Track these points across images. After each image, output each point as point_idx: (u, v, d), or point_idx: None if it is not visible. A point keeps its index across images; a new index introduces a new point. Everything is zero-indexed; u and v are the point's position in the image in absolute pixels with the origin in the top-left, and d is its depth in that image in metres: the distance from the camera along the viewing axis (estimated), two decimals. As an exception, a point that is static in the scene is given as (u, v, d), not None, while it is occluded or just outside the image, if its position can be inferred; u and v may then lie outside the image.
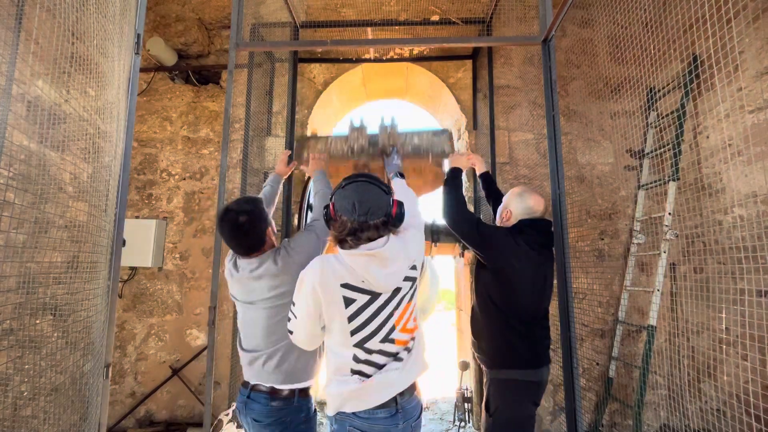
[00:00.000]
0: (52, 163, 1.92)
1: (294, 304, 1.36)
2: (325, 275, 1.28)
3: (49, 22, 1.43)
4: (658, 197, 3.16)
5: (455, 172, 2.12)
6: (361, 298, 1.28)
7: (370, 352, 1.30)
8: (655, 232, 3.10)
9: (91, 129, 1.62)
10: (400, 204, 1.35)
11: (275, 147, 3.48)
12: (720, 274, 2.93)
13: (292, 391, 1.56)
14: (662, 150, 3.16)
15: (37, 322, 1.96)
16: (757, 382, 2.28)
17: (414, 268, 1.36)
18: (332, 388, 1.34)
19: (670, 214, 2.91)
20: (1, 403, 1.75)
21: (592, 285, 3.23)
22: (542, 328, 1.90)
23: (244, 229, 1.54)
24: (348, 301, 1.28)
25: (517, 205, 1.97)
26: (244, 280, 1.60)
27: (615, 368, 3.11)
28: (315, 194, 1.98)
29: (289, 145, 3.23)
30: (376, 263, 1.26)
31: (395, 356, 1.32)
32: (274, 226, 1.70)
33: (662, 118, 3.25)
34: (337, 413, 1.34)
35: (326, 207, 1.34)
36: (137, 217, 3.48)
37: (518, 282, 1.81)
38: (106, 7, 1.54)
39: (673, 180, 2.95)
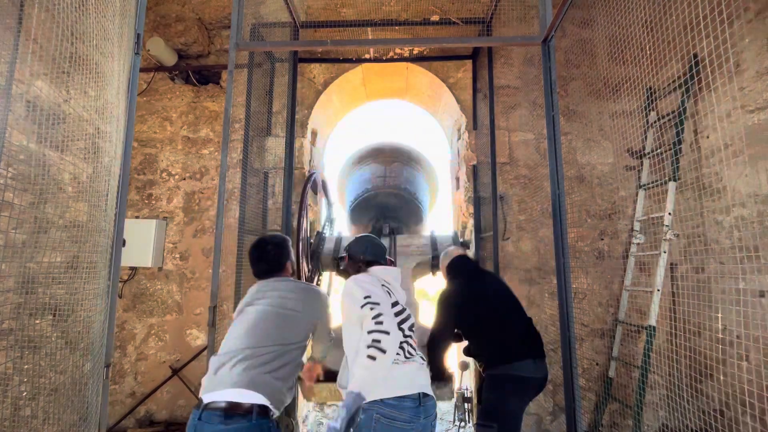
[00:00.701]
0: (52, 163, 1.92)
1: (348, 329, 1.66)
2: (358, 288, 1.65)
3: (49, 22, 1.43)
4: (658, 197, 3.16)
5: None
6: (372, 305, 1.56)
7: (384, 332, 1.48)
8: (655, 232, 3.10)
9: (91, 129, 1.62)
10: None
11: (275, 147, 3.48)
12: (720, 274, 2.93)
13: (251, 406, 1.42)
14: (662, 150, 3.16)
15: (37, 322, 1.96)
16: (757, 383, 2.28)
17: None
18: (361, 371, 1.44)
19: (670, 214, 2.91)
20: (1, 403, 1.74)
21: (592, 285, 3.23)
22: (519, 324, 2.17)
23: (270, 255, 1.89)
24: (371, 307, 1.57)
25: (444, 261, 2.53)
26: (270, 283, 1.83)
27: (615, 368, 3.11)
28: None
29: (289, 145, 3.23)
30: (391, 276, 1.84)
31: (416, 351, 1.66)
32: (294, 263, 2.03)
33: (662, 118, 3.25)
34: (366, 403, 1.43)
35: (340, 258, 2.10)
36: (137, 217, 3.48)
37: (483, 321, 2.19)
38: (105, 7, 1.54)
39: (673, 180, 2.95)
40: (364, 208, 3.76)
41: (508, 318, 2.18)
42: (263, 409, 1.45)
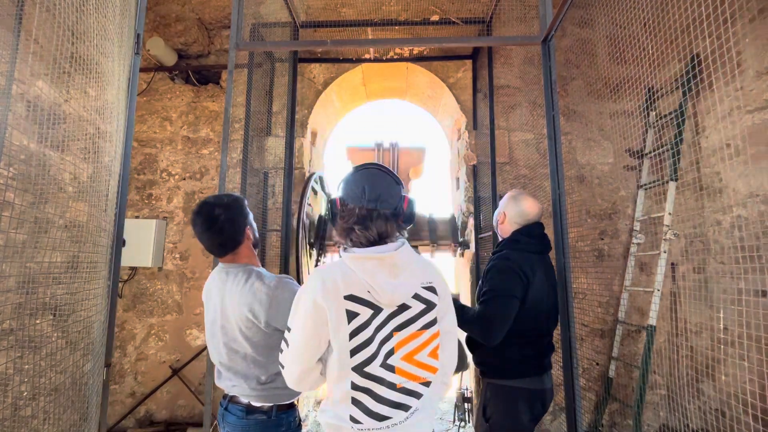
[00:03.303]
0: (52, 163, 1.92)
1: (289, 330, 1.13)
2: (327, 286, 1.07)
3: (49, 22, 1.43)
4: (658, 197, 3.16)
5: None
6: (365, 312, 1.07)
7: (370, 377, 1.07)
8: (655, 232, 3.10)
9: (91, 129, 1.62)
10: (412, 201, 1.20)
11: (275, 147, 3.48)
12: (720, 274, 2.93)
13: (271, 406, 1.46)
14: (662, 150, 3.16)
15: (37, 322, 1.96)
16: (756, 382, 2.28)
17: (431, 290, 1.14)
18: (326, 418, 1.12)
19: (670, 214, 2.91)
20: (1, 403, 1.75)
21: (592, 285, 3.23)
22: (550, 338, 1.90)
23: (220, 221, 1.40)
24: (351, 315, 1.07)
25: (512, 208, 1.96)
26: (223, 288, 1.47)
27: (615, 368, 3.11)
28: None
29: (289, 145, 3.23)
30: (385, 270, 1.08)
31: (399, 391, 1.09)
32: (255, 230, 1.54)
33: (662, 118, 3.25)
34: None
35: (331, 201, 1.19)
36: (137, 217, 3.48)
37: (532, 306, 1.77)
38: (105, 7, 1.54)
39: (673, 180, 2.95)
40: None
41: (551, 327, 1.87)
42: (283, 406, 1.49)
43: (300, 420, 1.57)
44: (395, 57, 3.68)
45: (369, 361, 1.07)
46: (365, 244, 1.12)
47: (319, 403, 4.11)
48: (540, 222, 1.97)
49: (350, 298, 1.08)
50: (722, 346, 2.79)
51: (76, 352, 1.58)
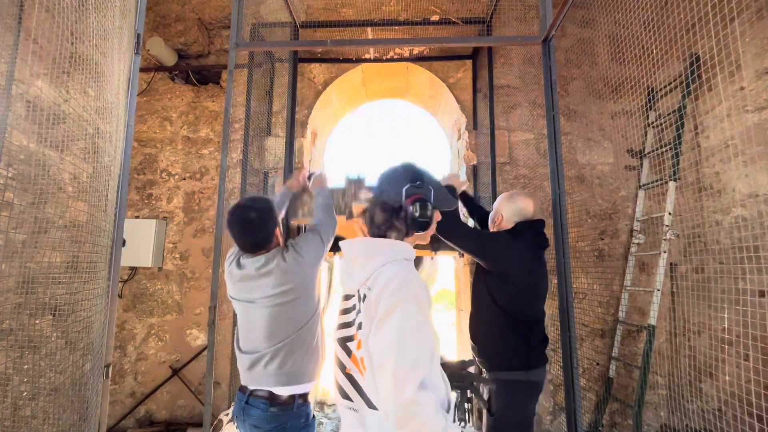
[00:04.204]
0: (52, 163, 1.92)
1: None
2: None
3: (49, 22, 1.43)
4: (658, 197, 3.16)
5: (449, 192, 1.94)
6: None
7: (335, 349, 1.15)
8: (655, 232, 3.09)
9: (91, 129, 1.62)
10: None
11: (275, 147, 3.48)
12: (720, 274, 2.93)
13: (292, 396, 1.54)
14: (662, 150, 3.16)
15: (37, 322, 1.96)
16: (757, 382, 2.28)
17: (368, 291, 1.04)
18: None
19: (670, 214, 2.91)
20: (1, 403, 1.74)
21: (592, 285, 3.23)
22: (542, 328, 1.91)
23: (254, 224, 1.57)
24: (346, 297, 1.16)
25: (508, 208, 1.98)
26: (248, 279, 1.60)
27: (615, 368, 3.11)
28: (318, 205, 1.94)
29: (289, 145, 3.23)
30: (349, 257, 1.12)
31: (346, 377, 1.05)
32: (281, 227, 1.72)
33: (662, 117, 3.25)
34: None
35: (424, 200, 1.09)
36: (137, 217, 3.48)
37: (522, 284, 1.82)
38: (105, 7, 1.54)
39: (673, 180, 2.95)
40: None
41: (544, 312, 1.90)
42: (302, 397, 1.58)
43: (314, 414, 1.65)
44: (395, 57, 3.68)
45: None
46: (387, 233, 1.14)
47: (319, 403, 4.11)
48: (542, 219, 1.97)
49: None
50: (723, 346, 2.78)
51: (76, 352, 1.58)
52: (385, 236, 1.10)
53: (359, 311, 1.03)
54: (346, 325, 1.08)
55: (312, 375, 1.61)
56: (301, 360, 1.57)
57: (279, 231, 1.67)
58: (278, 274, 1.56)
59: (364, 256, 1.06)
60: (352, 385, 1.03)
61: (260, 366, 1.56)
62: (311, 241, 1.66)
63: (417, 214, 1.07)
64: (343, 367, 1.06)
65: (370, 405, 0.98)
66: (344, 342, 1.07)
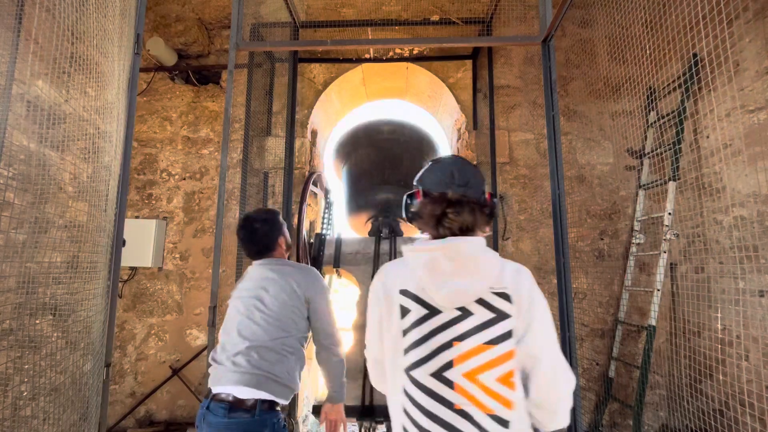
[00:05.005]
0: (52, 163, 1.92)
1: (367, 328, 1.12)
2: (386, 280, 1.06)
3: (49, 22, 1.43)
4: (658, 197, 3.16)
5: None
6: (418, 311, 0.98)
7: (421, 387, 0.94)
8: (655, 232, 3.09)
9: (91, 129, 1.62)
10: (494, 198, 1.09)
11: (275, 147, 3.48)
12: (720, 274, 2.93)
13: (255, 401, 1.45)
14: (662, 150, 3.16)
15: (37, 322, 1.96)
16: (757, 383, 2.29)
17: (504, 296, 0.97)
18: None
19: (670, 214, 2.91)
20: (1, 403, 1.74)
21: (592, 285, 3.23)
22: None
23: (259, 233, 1.74)
24: (404, 311, 1.00)
25: None
26: (261, 269, 1.73)
27: (615, 368, 3.11)
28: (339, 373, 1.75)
29: (289, 145, 3.23)
30: (444, 265, 0.96)
31: (457, 413, 0.91)
32: (288, 237, 1.85)
33: (662, 117, 3.25)
34: None
35: (409, 195, 1.10)
36: (137, 217, 3.48)
37: None
38: (105, 7, 1.54)
39: (673, 180, 2.95)
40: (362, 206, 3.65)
41: None
42: (269, 404, 1.49)
43: (284, 424, 1.56)
44: (395, 57, 3.68)
45: (420, 363, 0.94)
46: (456, 231, 1.00)
47: (319, 404, 4.10)
48: None
49: (404, 293, 1.01)
50: (722, 347, 2.79)
51: (76, 352, 1.58)
52: (474, 234, 1.02)
53: (499, 318, 0.94)
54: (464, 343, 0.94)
55: (280, 390, 1.54)
56: (276, 367, 1.52)
57: (284, 240, 1.81)
58: (284, 273, 1.70)
59: (475, 257, 0.96)
60: (473, 424, 0.90)
61: (230, 363, 1.52)
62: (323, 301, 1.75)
63: (494, 208, 1.07)
64: (449, 405, 0.92)
65: (502, 422, 0.91)
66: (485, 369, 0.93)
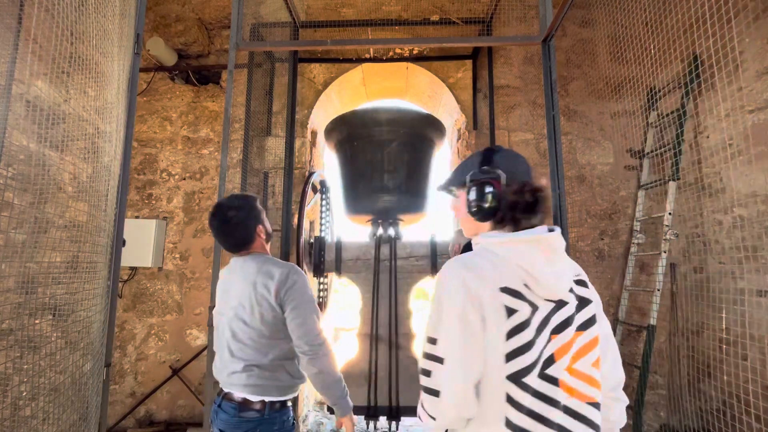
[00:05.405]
0: (51, 163, 1.92)
1: (434, 342, 0.90)
2: (481, 275, 0.88)
3: (49, 22, 1.43)
4: (658, 197, 3.16)
5: None
6: (524, 309, 0.87)
7: (530, 391, 0.85)
8: (655, 232, 3.09)
9: (91, 129, 1.62)
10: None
11: (275, 147, 3.48)
12: (720, 274, 2.93)
13: (264, 403, 1.46)
14: (662, 150, 3.16)
15: (37, 322, 1.96)
16: (757, 382, 2.28)
17: (582, 283, 0.98)
18: None
19: (670, 214, 2.91)
20: (0, 403, 1.75)
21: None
22: None
23: (232, 223, 1.53)
24: (510, 312, 0.86)
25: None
26: (236, 272, 1.57)
27: (615, 368, 3.10)
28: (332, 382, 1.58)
29: (289, 145, 3.23)
30: (543, 255, 0.89)
31: (565, 413, 0.85)
32: (267, 226, 1.64)
33: (662, 117, 3.25)
34: None
35: (482, 183, 0.97)
36: (137, 217, 3.48)
37: None
38: (105, 7, 1.54)
39: (673, 180, 2.95)
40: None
41: None
42: (280, 403, 1.50)
43: (294, 420, 1.57)
44: (395, 57, 3.68)
45: (528, 370, 0.85)
46: (537, 222, 0.96)
47: (319, 403, 4.11)
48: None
49: (506, 290, 0.87)
50: (723, 346, 2.78)
51: (76, 352, 1.58)
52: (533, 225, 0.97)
53: (584, 304, 0.96)
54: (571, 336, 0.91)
55: (285, 389, 1.53)
56: (277, 373, 1.50)
57: (263, 228, 1.60)
58: (260, 275, 1.51)
59: (562, 245, 0.95)
60: (579, 419, 0.87)
61: (232, 373, 1.51)
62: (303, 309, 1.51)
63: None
64: (557, 404, 0.86)
65: (597, 406, 0.90)
66: (584, 365, 0.91)
